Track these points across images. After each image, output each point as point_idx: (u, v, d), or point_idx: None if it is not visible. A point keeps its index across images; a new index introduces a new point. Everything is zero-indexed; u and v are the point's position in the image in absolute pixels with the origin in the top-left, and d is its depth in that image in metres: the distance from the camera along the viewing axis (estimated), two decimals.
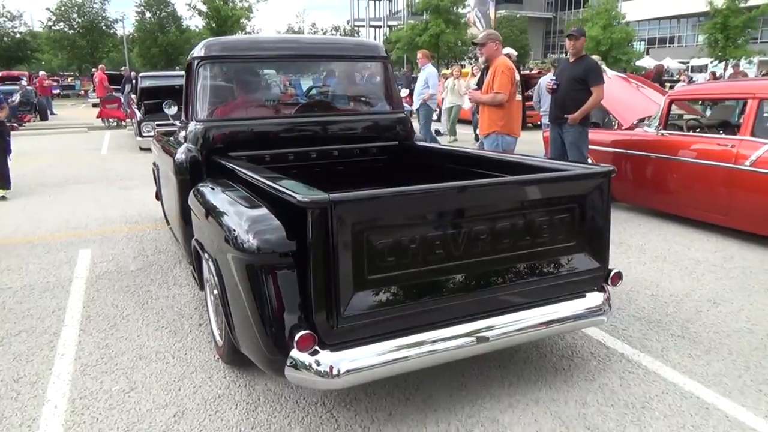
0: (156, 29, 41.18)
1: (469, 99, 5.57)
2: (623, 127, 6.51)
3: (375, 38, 75.99)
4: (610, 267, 2.75)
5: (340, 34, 58.78)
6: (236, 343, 2.56)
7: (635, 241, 5.09)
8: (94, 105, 21.27)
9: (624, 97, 6.65)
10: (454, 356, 2.45)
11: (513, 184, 2.58)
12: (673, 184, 5.52)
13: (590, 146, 5.90)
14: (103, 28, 41.42)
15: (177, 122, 4.60)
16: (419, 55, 10.20)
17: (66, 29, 40.18)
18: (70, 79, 41.68)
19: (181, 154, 3.61)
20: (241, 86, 4.20)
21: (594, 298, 2.72)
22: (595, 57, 6.09)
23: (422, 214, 2.33)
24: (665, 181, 5.58)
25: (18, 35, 41.34)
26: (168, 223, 5.11)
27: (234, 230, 2.37)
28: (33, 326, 3.49)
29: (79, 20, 40.03)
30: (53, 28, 40.32)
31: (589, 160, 5.92)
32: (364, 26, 72.50)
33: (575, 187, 2.64)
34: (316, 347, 2.17)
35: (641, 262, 4.54)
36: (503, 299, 2.52)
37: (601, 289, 2.75)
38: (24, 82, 20.30)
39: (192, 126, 3.71)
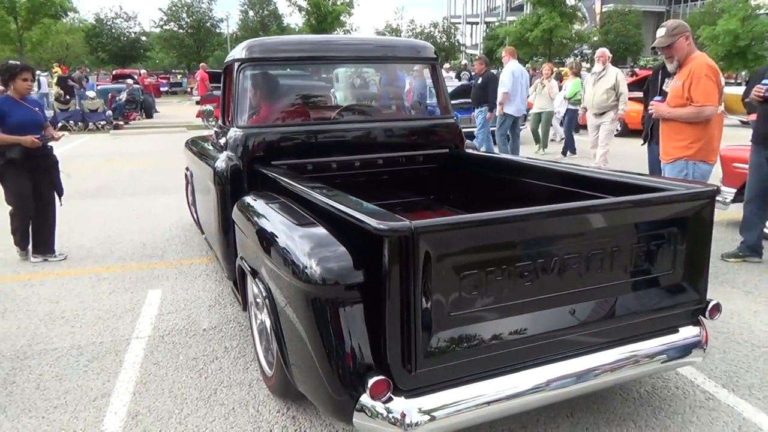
0: (258, 28, 41.92)
1: (653, 115, 4.08)
2: None
3: (472, 35, 74.12)
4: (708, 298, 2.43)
5: (438, 31, 57.38)
6: (291, 380, 2.31)
7: None
8: (197, 103, 21.43)
9: None
10: (544, 401, 2.18)
11: (614, 207, 2.24)
12: None
13: None
14: (210, 27, 42.72)
15: (215, 127, 4.29)
16: (503, 52, 9.57)
17: (175, 29, 41.81)
18: (179, 76, 43.46)
19: (221, 162, 3.37)
20: (284, 90, 3.95)
21: (689, 332, 2.42)
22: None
23: (512, 242, 2.05)
24: None
25: (133, 35, 43.60)
26: (202, 232, 4.80)
27: (292, 256, 2.11)
28: (63, 427, 2.55)
29: (188, 20, 41.48)
30: (164, 27, 42.09)
31: None
32: (461, 23, 70.91)
33: (678, 208, 2.32)
34: (390, 394, 1.91)
35: None
36: (596, 336, 2.24)
37: (697, 323, 2.46)
38: (130, 81, 20.72)
39: (232, 132, 3.45)
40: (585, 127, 9.01)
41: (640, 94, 13.04)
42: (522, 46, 26.66)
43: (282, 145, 3.45)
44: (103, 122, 16.23)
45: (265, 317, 2.60)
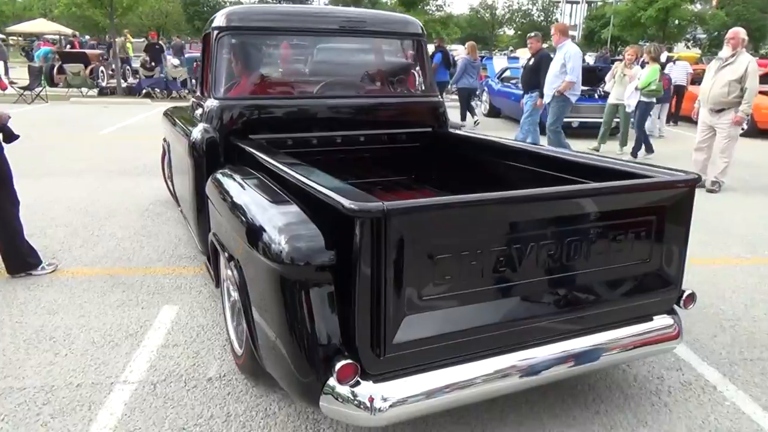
0: (350, 3, 41.27)
1: None
2: None
3: (571, 16, 70.03)
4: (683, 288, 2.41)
5: (536, 9, 54.42)
6: (259, 360, 2.25)
7: None
8: None
9: None
10: (516, 387, 2.13)
11: (594, 192, 2.17)
12: None
13: None
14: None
15: (192, 97, 4.20)
16: (553, 29, 7.85)
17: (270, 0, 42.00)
18: None
19: (197, 133, 3.30)
20: (264, 62, 3.87)
21: (663, 321, 2.39)
22: None
23: (488, 226, 1.97)
24: None
25: (228, 5, 44.29)
26: (178, 205, 4.65)
27: (262, 234, 2.02)
28: None
29: None
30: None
31: None
32: (560, 2, 67.27)
33: (658, 196, 2.25)
34: (358, 378, 1.84)
35: None
36: (569, 323, 2.18)
37: (671, 312, 2.42)
38: None
39: (209, 103, 3.41)
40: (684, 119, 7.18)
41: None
42: (631, 27, 24.11)
43: (260, 118, 3.39)
44: (185, 91, 16.09)
45: (235, 295, 2.49)
